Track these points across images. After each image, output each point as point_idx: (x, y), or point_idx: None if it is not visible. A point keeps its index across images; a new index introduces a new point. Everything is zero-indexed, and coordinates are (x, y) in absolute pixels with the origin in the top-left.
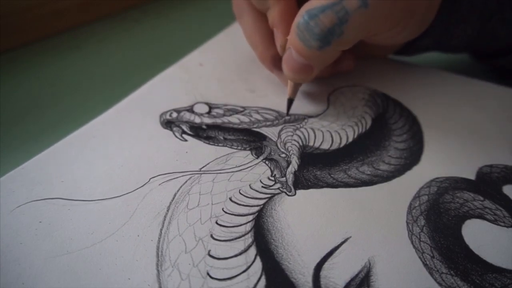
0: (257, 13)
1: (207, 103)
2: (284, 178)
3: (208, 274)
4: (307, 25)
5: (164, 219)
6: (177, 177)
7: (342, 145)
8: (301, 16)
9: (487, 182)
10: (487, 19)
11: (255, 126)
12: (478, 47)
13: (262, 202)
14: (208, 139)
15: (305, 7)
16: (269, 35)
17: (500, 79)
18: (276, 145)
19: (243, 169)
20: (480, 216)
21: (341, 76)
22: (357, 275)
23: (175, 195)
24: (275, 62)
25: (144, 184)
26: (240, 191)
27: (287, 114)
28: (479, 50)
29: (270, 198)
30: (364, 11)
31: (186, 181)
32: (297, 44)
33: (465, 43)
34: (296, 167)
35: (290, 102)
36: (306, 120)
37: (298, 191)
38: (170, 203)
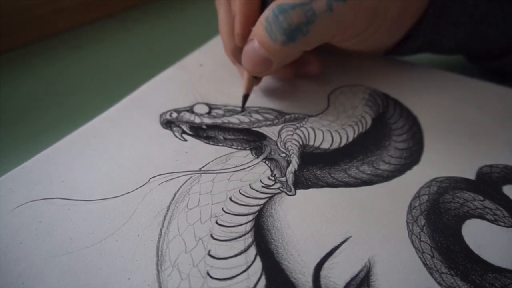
0: (229, 7)
1: (207, 104)
2: (284, 178)
3: (208, 274)
4: (276, 19)
5: (164, 219)
6: (177, 177)
7: (342, 144)
8: (271, 10)
9: (487, 182)
10: (479, 22)
11: (255, 125)
12: (470, 49)
13: (262, 202)
14: (208, 139)
15: (276, 2)
16: (233, 28)
17: (500, 79)
18: (276, 145)
19: (243, 168)
20: (480, 216)
21: (341, 75)
22: (357, 275)
23: (175, 195)
24: (236, 54)
25: (144, 184)
26: (240, 191)
27: (242, 110)
28: (471, 52)
29: (270, 198)
30: (329, 15)
31: (186, 181)
32: (262, 36)
33: (457, 45)
34: (296, 166)
35: (245, 98)
36: (306, 120)
37: (298, 191)
38: (170, 203)
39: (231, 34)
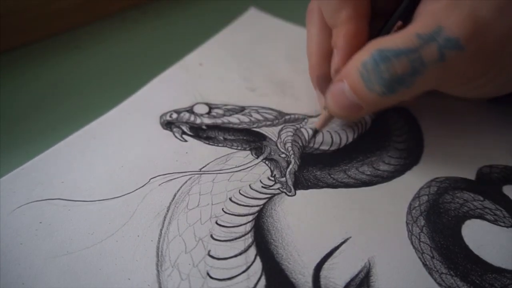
0: (325, 25)
1: (207, 103)
2: (284, 178)
3: (208, 274)
4: (376, 67)
5: (164, 219)
6: (177, 178)
7: (342, 145)
8: (369, 54)
9: (487, 182)
10: None
11: (255, 126)
12: None
13: (262, 202)
14: (208, 139)
15: (375, 44)
16: (327, 52)
17: None
18: (276, 145)
19: (243, 169)
20: (480, 216)
21: None
22: (357, 275)
23: (175, 195)
24: (321, 81)
25: (144, 185)
26: (240, 191)
27: (308, 142)
28: None
29: (270, 198)
30: (440, 65)
31: (186, 182)
32: (356, 83)
33: None
34: (296, 167)
35: (315, 133)
36: (306, 120)
37: (298, 191)
38: (170, 203)
39: (321, 60)
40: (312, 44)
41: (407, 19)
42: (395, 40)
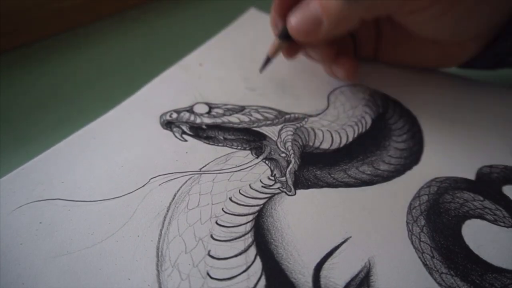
0: None
1: (207, 103)
2: (284, 178)
3: (208, 274)
4: None
5: (164, 220)
6: (177, 177)
7: (342, 144)
8: None
9: (487, 182)
10: None
11: (255, 125)
12: None
13: (262, 202)
14: (208, 139)
15: None
16: None
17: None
18: (276, 145)
19: (243, 169)
20: (480, 216)
21: None
22: (357, 275)
23: (175, 195)
24: (282, 7)
25: (144, 185)
26: (240, 191)
27: (260, 71)
28: None
29: (270, 198)
30: None
31: (186, 181)
32: None
33: None
34: (296, 166)
35: (267, 60)
36: (306, 120)
37: (298, 191)
38: (170, 203)
39: None
40: None
41: None
42: None
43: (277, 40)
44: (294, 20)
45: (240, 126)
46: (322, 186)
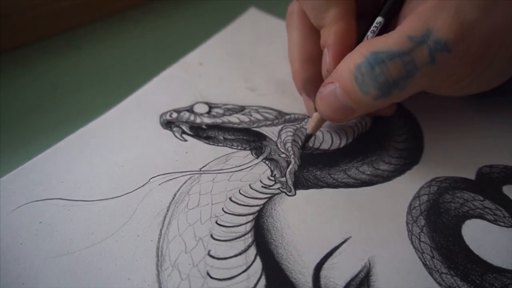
0: (307, 29)
1: (207, 103)
2: (284, 178)
3: (208, 274)
4: (371, 70)
5: (164, 219)
6: (177, 177)
7: (342, 145)
8: (363, 56)
9: (487, 182)
10: None
11: (255, 125)
12: None
13: (262, 202)
14: (208, 139)
15: (368, 46)
16: (311, 56)
17: None
18: (276, 145)
19: (243, 169)
20: (480, 216)
21: None
22: (357, 275)
23: (175, 195)
24: (307, 85)
25: (144, 184)
26: (240, 191)
27: (302, 148)
28: None
29: (270, 198)
30: (430, 67)
31: (186, 181)
32: (349, 86)
33: None
34: (296, 167)
35: (308, 137)
36: (306, 120)
37: (298, 191)
38: (170, 203)
39: (306, 64)
40: (294, 48)
41: (391, 20)
42: (388, 42)
43: (317, 115)
44: (325, 110)
45: (240, 126)
46: (322, 187)
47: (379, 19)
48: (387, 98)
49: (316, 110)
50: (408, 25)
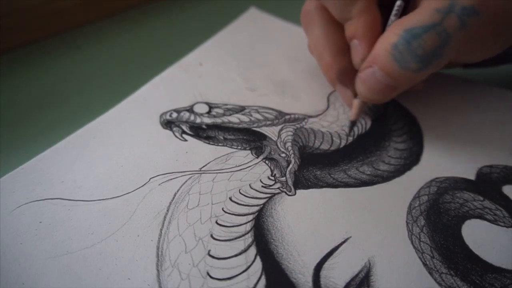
0: (329, 23)
1: (207, 103)
2: (284, 178)
3: (208, 274)
4: (408, 45)
5: (164, 219)
6: (177, 177)
7: (342, 145)
8: (397, 35)
9: (487, 182)
10: None
11: (255, 125)
12: None
13: (262, 201)
14: (208, 139)
15: (400, 25)
16: (339, 47)
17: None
18: (276, 145)
19: (243, 168)
20: (480, 216)
21: None
22: (357, 275)
23: (175, 195)
24: (341, 76)
25: (144, 184)
26: (240, 191)
27: (349, 134)
28: None
29: (270, 198)
30: (463, 33)
31: (186, 181)
32: (388, 65)
33: None
34: (296, 167)
35: (352, 124)
36: (306, 120)
37: (298, 191)
38: (170, 203)
39: (337, 55)
40: (320, 43)
41: (409, 2)
42: (418, 18)
43: (358, 101)
44: (368, 93)
45: (240, 126)
46: (322, 186)
47: (399, 2)
48: (426, 69)
49: (355, 97)
50: (431, 1)
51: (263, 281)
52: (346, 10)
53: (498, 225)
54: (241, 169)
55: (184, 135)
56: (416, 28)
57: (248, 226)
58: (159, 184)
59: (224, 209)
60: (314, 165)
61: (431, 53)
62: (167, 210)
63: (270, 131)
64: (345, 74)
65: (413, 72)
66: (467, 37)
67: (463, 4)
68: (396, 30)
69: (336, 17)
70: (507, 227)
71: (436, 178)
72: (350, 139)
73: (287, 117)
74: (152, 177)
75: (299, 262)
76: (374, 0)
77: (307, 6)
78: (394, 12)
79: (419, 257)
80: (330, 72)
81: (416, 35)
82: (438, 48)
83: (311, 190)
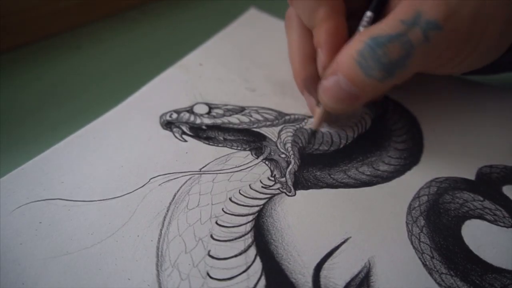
0: (305, 30)
1: (207, 103)
2: (284, 178)
3: (208, 274)
4: (374, 53)
5: (164, 219)
6: (177, 178)
7: (341, 145)
8: (363, 43)
9: (487, 182)
10: None
11: (255, 126)
12: None
13: (262, 202)
14: (208, 139)
15: (366, 34)
16: (309, 55)
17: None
18: (276, 145)
19: (243, 169)
20: (480, 217)
21: None
22: (357, 275)
23: (175, 195)
24: (307, 83)
25: (144, 185)
26: (240, 191)
27: (308, 143)
28: None
29: (270, 198)
30: (426, 45)
31: (186, 182)
32: (353, 72)
33: None
34: (296, 167)
35: (313, 134)
36: (306, 120)
37: (298, 192)
38: (170, 203)
39: (305, 62)
40: (293, 49)
41: (379, 13)
42: (383, 28)
43: (320, 109)
44: (331, 101)
45: (240, 126)
46: (322, 187)
47: (368, 13)
48: (391, 78)
49: (317, 105)
50: (399, 11)
51: (263, 281)
52: (311, 17)
53: (498, 225)
54: (241, 170)
55: (184, 136)
56: (381, 36)
57: (248, 227)
58: (159, 185)
59: (224, 210)
60: (314, 166)
61: (395, 63)
62: (167, 211)
63: (270, 132)
64: (311, 81)
65: (378, 81)
66: (429, 49)
67: (427, 17)
68: (362, 37)
69: (305, 23)
70: (507, 227)
71: (436, 178)
72: (350, 139)
73: (287, 117)
74: (152, 178)
75: (299, 262)
76: (338, 9)
77: (289, 11)
78: (363, 23)
79: (419, 258)
80: (297, 79)
81: (381, 43)
82: (402, 58)
83: (311, 190)
